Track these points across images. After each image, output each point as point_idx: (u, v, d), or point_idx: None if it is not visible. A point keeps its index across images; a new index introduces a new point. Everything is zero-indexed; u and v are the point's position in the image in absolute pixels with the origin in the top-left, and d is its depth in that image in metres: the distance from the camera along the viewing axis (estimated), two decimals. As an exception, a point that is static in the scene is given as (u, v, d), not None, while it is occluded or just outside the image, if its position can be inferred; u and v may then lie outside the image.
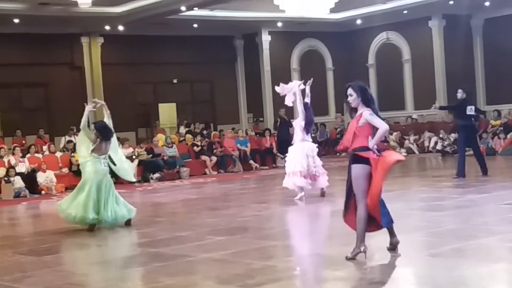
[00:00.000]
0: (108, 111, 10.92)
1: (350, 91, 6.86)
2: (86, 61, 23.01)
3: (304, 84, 12.56)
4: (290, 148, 12.57)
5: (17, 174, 16.60)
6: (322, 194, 12.38)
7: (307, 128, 12.36)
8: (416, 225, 8.91)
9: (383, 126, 6.76)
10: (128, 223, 10.40)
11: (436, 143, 21.97)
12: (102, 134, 10.38)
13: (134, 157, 18.60)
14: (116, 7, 20.71)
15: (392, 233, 7.05)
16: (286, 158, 12.76)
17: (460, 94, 14.25)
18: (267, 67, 25.44)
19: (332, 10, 20.91)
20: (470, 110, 14.02)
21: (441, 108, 16.40)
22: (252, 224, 10.02)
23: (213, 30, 24.22)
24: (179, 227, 10.03)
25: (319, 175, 12.30)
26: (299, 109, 12.31)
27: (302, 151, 12.20)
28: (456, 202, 10.87)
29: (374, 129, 6.80)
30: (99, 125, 10.58)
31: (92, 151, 10.36)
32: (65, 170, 17.72)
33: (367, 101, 6.83)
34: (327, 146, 23.70)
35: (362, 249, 6.77)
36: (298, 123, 12.33)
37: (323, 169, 12.48)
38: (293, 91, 12.43)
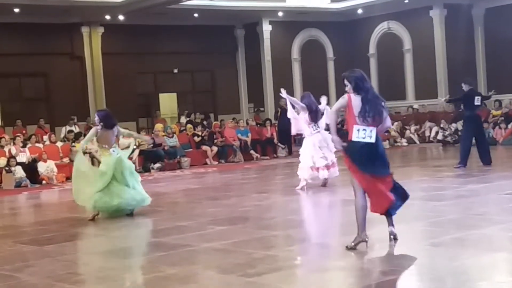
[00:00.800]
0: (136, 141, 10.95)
1: (345, 81, 6.99)
2: (87, 51, 22.96)
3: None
4: (304, 141, 12.45)
5: (18, 164, 16.61)
6: (324, 184, 12.33)
7: (312, 116, 12.21)
8: (417, 215, 8.90)
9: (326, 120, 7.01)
10: (130, 213, 10.39)
11: (437, 133, 21.98)
12: (104, 122, 10.33)
13: (135, 147, 18.60)
14: (116, -3, 20.69)
15: (390, 223, 7.07)
16: (300, 150, 12.65)
17: (465, 86, 14.24)
18: (268, 57, 25.40)
19: (333, 0, 20.89)
20: (477, 100, 14.04)
21: (449, 101, 16.32)
22: (253, 214, 10.02)
23: (214, 19, 24.17)
24: (180, 217, 10.03)
25: (333, 164, 12.18)
26: (299, 107, 12.22)
27: (313, 145, 12.13)
28: (457, 192, 10.87)
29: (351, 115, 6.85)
30: (101, 114, 10.57)
31: (98, 142, 10.35)
32: (66, 160, 17.72)
33: (357, 89, 6.86)
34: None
35: (363, 238, 6.78)
36: (302, 118, 12.23)
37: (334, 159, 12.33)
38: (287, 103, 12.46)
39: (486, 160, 14.17)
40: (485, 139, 14.85)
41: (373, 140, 6.78)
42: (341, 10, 25.03)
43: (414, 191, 11.45)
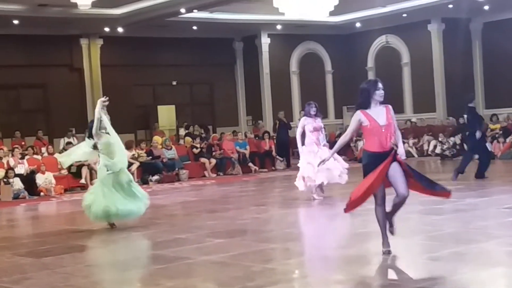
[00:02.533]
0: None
1: None
2: (86, 62, 22.99)
3: None
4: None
5: (16, 175, 16.59)
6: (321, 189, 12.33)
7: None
8: (416, 229, 8.91)
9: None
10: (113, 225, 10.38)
11: (435, 146, 21.98)
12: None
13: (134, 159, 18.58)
14: (115, 9, 20.72)
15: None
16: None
17: (472, 104, 14.54)
18: (267, 70, 25.44)
19: (332, 13, 20.90)
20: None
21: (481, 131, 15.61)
22: (251, 227, 10.02)
23: (213, 32, 24.22)
24: (179, 230, 10.01)
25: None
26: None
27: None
28: (455, 205, 10.85)
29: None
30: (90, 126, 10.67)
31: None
32: (64, 171, 17.71)
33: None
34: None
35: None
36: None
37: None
38: None
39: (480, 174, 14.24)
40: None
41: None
42: (340, 24, 25.10)
43: (413, 205, 11.43)
